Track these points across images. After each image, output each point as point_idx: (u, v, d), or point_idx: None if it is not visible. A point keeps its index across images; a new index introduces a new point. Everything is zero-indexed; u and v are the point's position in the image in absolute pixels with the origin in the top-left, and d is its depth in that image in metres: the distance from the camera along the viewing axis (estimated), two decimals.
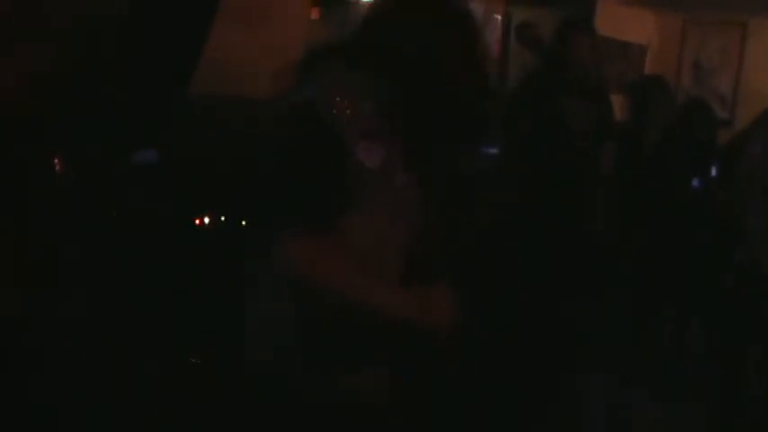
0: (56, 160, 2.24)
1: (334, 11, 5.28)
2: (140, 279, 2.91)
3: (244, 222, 3.30)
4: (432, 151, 1.74)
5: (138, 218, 3.00)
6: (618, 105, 5.06)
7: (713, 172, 4.71)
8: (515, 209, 4.03)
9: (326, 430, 1.70)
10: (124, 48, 2.38)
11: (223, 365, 2.76)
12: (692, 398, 4.11)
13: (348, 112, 1.62)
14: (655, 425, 4.00)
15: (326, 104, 1.63)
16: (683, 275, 4.27)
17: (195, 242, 3.28)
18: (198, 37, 3.19)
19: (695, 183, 4.69)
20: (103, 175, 2.72)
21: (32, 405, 2.19)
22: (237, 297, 1.85)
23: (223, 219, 3.33)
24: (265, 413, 1.74)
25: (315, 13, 5.13)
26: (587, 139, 4.26)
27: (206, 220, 3.31)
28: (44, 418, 2.24)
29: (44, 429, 2.27)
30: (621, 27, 7.91)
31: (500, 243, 3.77)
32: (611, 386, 4.21)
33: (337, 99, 1.63)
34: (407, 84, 1.66)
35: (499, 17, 7.07)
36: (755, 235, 3.45)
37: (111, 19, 2.25)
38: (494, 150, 4.44)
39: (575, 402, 3.97)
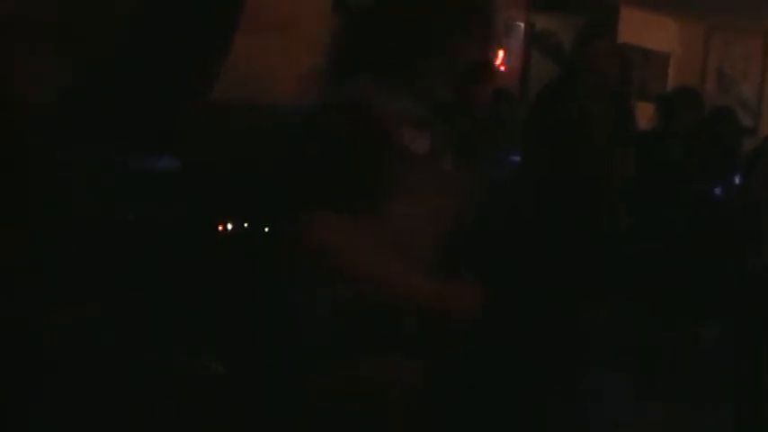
0: (70, 165, 2.25)
1: None
2: (161, 283, 2.93)
3: (267, 227, 3.32)
4: (471, 142, 1.77)
5: (156, 223, 3.02)
6: (641, 113, 5.04)
7: (737, 180, 4.67)
8: (535, 213, 4.03)
9: (354, 419, 1.70)
10: (143, 52, 2.40)
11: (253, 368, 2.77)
12: (708, 404, 4.07)
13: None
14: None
15: (375, 102, 1.65)
16: (702, 281, 4.24)
17: (218, 244, 3.30)
18: (221, 43, 3.21)
19: (719, 190, 4.65)
20: (121, 180, 2.74)
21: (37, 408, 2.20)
22: (261, 296, 1.85)
23: (246, 221, 3.35)
24: (295, 403, 1.74)
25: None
26: (608, 145, 4.25)
27: (229, 223, 3.33)
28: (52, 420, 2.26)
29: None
30: (644, 34, 7.87)
31: (519, 244, 3.78)
32: (624, 392, 4.19)
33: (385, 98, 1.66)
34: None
35: (522, 25, 7.06)
36: None
37: (129, 21, 2.27)
38: (515, 155, 4.44)
39: (585, 405, 3.95)
